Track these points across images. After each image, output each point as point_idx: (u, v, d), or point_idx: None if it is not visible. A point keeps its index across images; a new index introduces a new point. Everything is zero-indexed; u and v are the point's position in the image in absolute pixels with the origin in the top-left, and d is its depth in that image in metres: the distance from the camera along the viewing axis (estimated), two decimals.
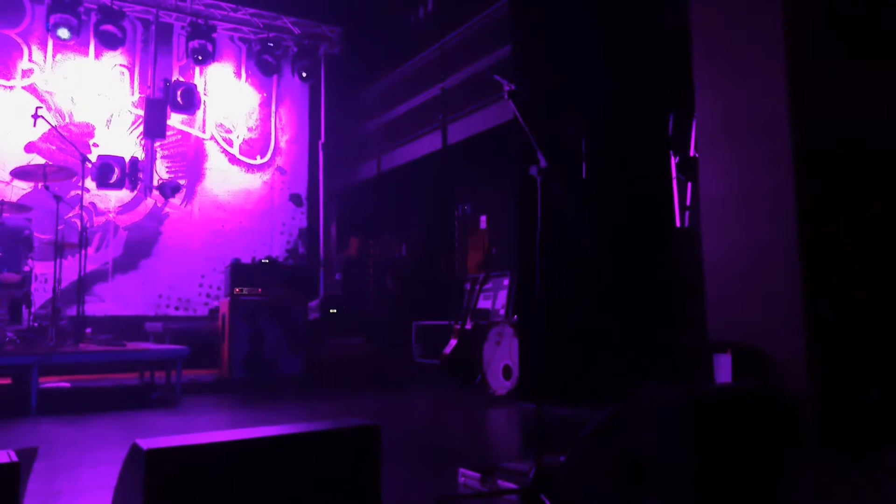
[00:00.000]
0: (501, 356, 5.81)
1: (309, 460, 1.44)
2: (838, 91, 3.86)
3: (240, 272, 6.92)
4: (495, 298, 7.34)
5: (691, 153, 5.72)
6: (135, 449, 1.38)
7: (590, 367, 4.73)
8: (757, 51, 3.96)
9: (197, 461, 1.33)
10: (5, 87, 8.26)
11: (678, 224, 5.71)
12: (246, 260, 7.23)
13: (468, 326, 6.53)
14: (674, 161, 5.75)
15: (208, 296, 9.04)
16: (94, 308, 7.89)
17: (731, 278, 4.06)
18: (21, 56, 8.37)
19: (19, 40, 8.38)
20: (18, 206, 6.25)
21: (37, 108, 6.29)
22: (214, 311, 8.05)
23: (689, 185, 5.78)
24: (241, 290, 6.79)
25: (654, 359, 4.54)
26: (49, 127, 7.15)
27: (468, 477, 2.87)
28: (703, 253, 4.29)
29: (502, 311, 7.08)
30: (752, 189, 3.94)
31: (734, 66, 4.12)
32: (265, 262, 7.17)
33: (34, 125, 6.29)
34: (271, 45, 9.65)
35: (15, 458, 1.23)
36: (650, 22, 5.17)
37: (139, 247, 8.81)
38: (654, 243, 5.12)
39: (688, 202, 5.78)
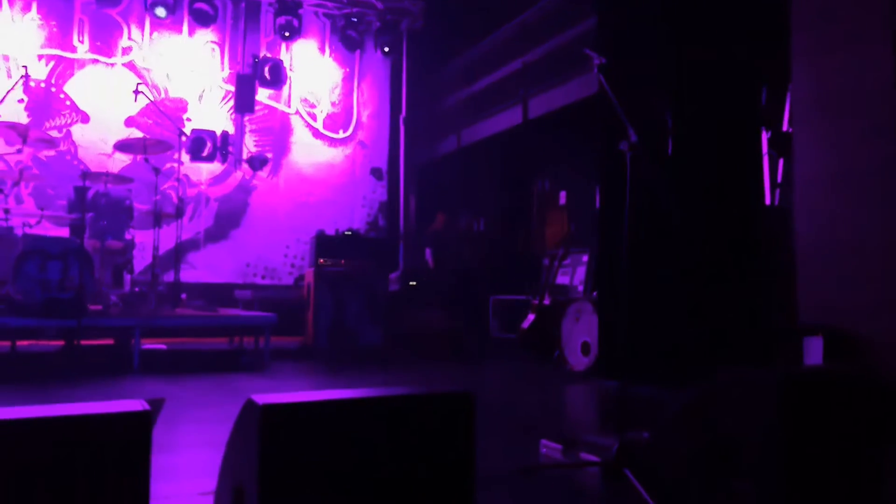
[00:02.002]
0: (580, 332, 5.80)
1: (409, 423, 1.51)
2: None
3: (324, 244, 7.14)
4: (573, 274, 7.31)
5: (784, 128, 5.50)
6: (250, 404, 1.48)
7: (672, 346, 4.67)
8: (861, 17, 3.76)
9: (308, 417, 1.43)
10: (107, 64, 8.70)
11: (768, 202, 5.52)
12: (329, 231, 7.45)
13: (546, 302, 6.54)
14: (765, 136, 5.54)
15: (293, 265, 9.37)
16: (187, 275, 8.30)
17: (825, 259, 3.92)
18: (121, 34, 8.79)
19: (119, 19, 8.79)
20: (120, 178, 6.62)
21: (137, 84, 6.63)
22: (299, 281, 8.33)
23: (781, 161, 5.56)
24: (325, 261, 7.00)
25: (740, 340, 4.44)
26: (147, 102, 7.51)
27: (550, 448, 2.92)
28: (795, 232, 4.15)
29: (580, 288, 7.05)
30: (851, 166, 3.77)
31: (834, 35, 3.93)
32: (348, 235, 7.37)
33: (135, 100, 6.64)
34: (355, 20, 9.78)
35: (147, 407, 1.35)
36: None
37: (229, 217, 9.19)
38: (743, 221, 4.98)
39: (779, 179, 5.57)
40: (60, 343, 6.41)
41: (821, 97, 4.02)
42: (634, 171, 2.76)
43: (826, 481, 1.95)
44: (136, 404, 1.37)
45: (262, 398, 1.44)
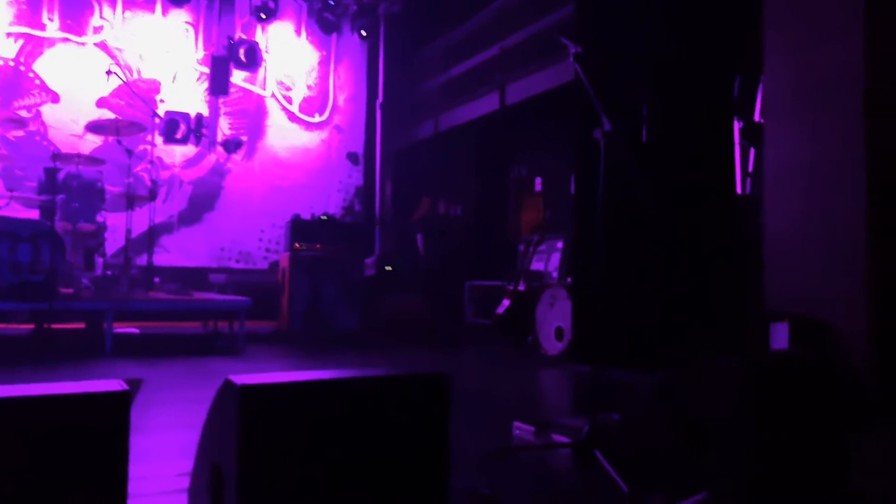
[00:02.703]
0: (554, 318, 5.87)
1: (385, 404, 1.54)
2: None
3: (299, 228, 7.12)
4: (548, 261, 7.37)
5: (756, 119, 5.59)
6: (227, 385, 1.50)
7: (644, 331, 4.75)
8: (833, 10, 3.83)
9: (285, 397, 1.45)
10: (78, 43, 8.53)
11: (739, 191, 5.62)
12: (304, 216, 7.42)
13: (521, 288, 6.60)
14: (737, 126, 5.63)
15: (267, 250, 9.32)
16: (160, 259, 8.22)
17: (793, 247, 4.01)
18: (92, 13, 8.62)
19: None
20: (92, 160, 6.52)
21: (109, 64, 6.53)
22: (274, 265, 8.30)
23: (753, 151, 5.66)
24: (301, 246, 6.99)
25: (709, 325, 4.54)
26: (119, 83, 7.39)
27: (523, 430, 2.97)
28: (764, 220, 4.24)
29: (555, 274, 7.11)
30: (820, 157, 3.86)
31: (806, 30, 4.00)
32: (324, 219, 7.35)
33: (107, 81, 6.54)
34: (332, 2, 9.69)
35: (126, 387, 1.36)
36: None
37: (203, 201, 9.10)
38: (714, 209, 5.07)
39: (750, 169, 5.67)
40: (31, 327, 6.33)
41: (792, 88, 4.09)
42: (608, 159, 2.81)
43: (790, 463, 2.02)
44: (114, 384, 1.38)
45: (240, 378, 1.46)
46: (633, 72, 5.08)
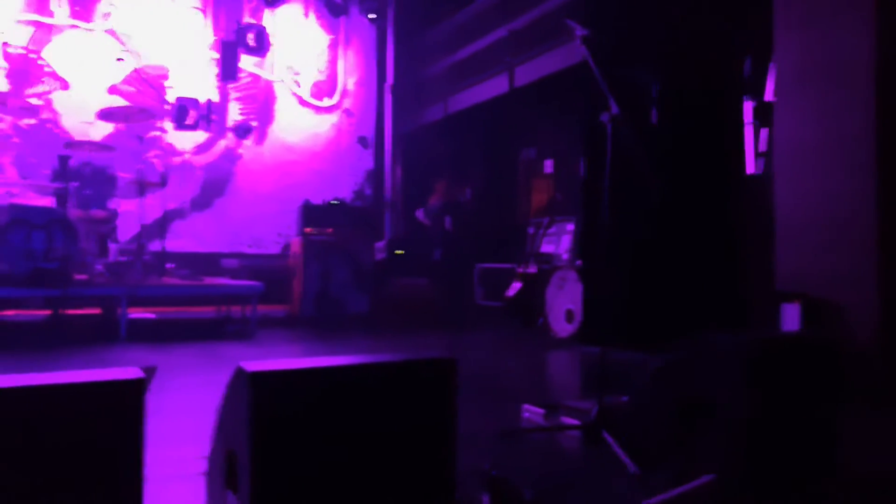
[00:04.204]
0: (564, 300, 5.89)
1: (394, 388, 1.57)
2: None
3: (310, 213, 7.16)
4: (559, 243, 7.37)
5: (767, 98, 5.55)
6: (239, 372, 1.54)
7: (653, 312, 4.76)
8: None
9: (296, 383, 1.48)
10: (86, 29, 8.55)
11: (750, 171, 5.59)
12: (315, 200, 7.46)
13: (531, 270, 6.62)
14: (748, 106, 5.59)
15: (279, 234, 9.37)
16: (172, 244, 8.27)
17: (803, 227, 4.00)
18: None
19: None
20: (103, 146, 6.57)
21: (120, 50, 6.55)
22: (286, 250, 8.35)
23: (764, 130, 5.62)
24: (312, 230, 7.03)
25: (720, 306, 4.54)
26: (129, 69, 7.41)
27: (532, 413, 3.00)
28: (775, 201, 4.22)
29: (566, 256, 7.12)
30: (829, 136, 3.84)
31: (816, 7, 3.96)
32: (334, 204, 7.38)
33: (117, 68, 6.56)
34: None
35: (141, 374, 1.40)
36: None
37: (214, 186, 9.15)
38: (724, 190, 5.05)
39: (762, 148, 5.64)
40: (47, 313, 6.42)
41: (803, 68, 4.06)
42: (616, 142, 2.81)
43: (795, 443, 2.04)
44: (130, 372, 1.42)
45: (250, 365, 1.49)
46: (641, 53, 5.05)
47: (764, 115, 5.50)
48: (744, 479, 1.95)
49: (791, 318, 3.92)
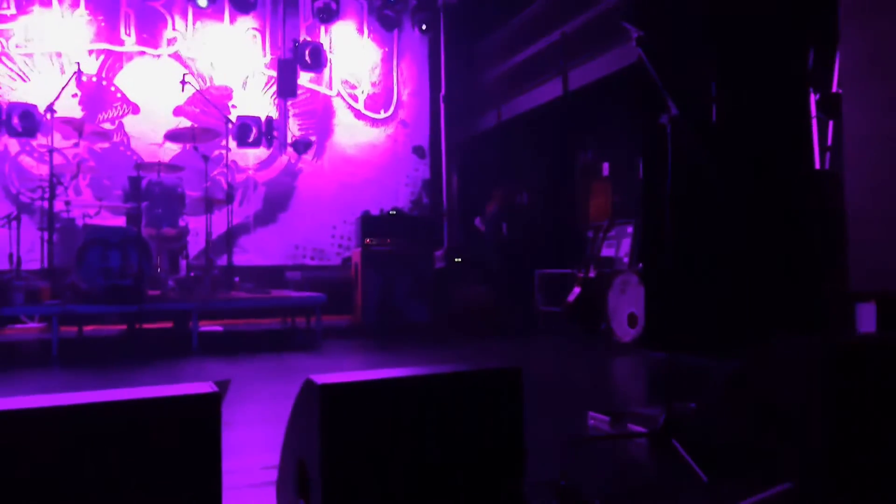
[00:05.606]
0: (627, 304, 5.81)
1: (461, 399, 1.59)
2: None
3: (369, 223, 7.27)
4: (619, 246, 7.27)
5: (833, 90, 5.36)
6: (308, 384, 1.58)
7: (719, 316, 4.65)
8: None
9: (364, 395, 1.52)
10: (154, 55, 8.92)
11: (818, 166, 5.40)
12: (374, 211, 7.57)
13: (592, 274, 6.54)
14: (813, 99, 5.41)
15: (340, 246, 9.54)
16: (238, 259, 8.54)
17: (877, 223, 3.84)
18: (165, 26, 8.99)
19: (163, 11, 8.99)
20: (172, 167, 6.84)
21: (184, 74, 6.81)
22: (347, 261, 8.49)
23: (831, 123, 5.43)
24: (372, 241, 7.13)
25: (791, 308, 4.40)
26: (193, 91, 7.69)
27: (598, 420, 2.97)
28: (845, 197, 4.07)
29: (626, 260, 7.01)
30: None
31: None
32: (393, 214, 7.47)
33: (182, 90, 6.83)
34: None
35: (215, 389, 1.46)
36: None
37: (276, 201, 9.40)
38: (791, 187, 4.90)
39: (829, 142, 5.45)
40: (123, 327, 6.71)
41: (870, 58, 3.91)
42: (676, 144, 2.76)
43: (870, 452, 1.96)
44: (205, 386, 1.47)
45: (320, 378, 1.53)
46: (699, 51, 4.95)
47: (830, 107, 5.32)
48: (825, 488, 1.89)
49: (867, 318, 3.77)
